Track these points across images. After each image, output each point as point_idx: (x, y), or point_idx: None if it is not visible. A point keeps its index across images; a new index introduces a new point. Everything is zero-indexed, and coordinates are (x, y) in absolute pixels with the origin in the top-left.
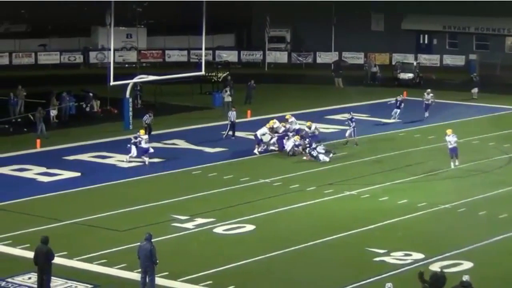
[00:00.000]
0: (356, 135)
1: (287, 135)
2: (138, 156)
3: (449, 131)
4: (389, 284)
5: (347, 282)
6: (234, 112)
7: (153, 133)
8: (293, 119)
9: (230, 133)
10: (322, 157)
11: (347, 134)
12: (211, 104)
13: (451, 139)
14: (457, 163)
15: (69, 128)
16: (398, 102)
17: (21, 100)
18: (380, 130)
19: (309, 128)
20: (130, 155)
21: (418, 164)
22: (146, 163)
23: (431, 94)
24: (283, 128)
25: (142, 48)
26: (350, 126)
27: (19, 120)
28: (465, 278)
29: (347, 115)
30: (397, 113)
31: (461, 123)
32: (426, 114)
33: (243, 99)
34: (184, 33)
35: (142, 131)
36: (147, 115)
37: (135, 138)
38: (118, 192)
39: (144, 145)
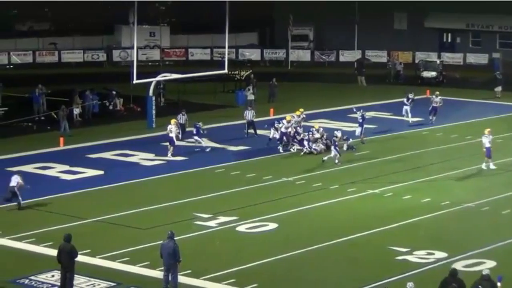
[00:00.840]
0: (377, 133)
1: (314, 134)
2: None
3: (487, 131)
4: (410, 284)
5: (369, 281)
6: (252, 111)
7: None
8: (303, 115)
9: (252, 131)
10: (332, 153)
11: (361, 134)
12: (234, 103)
13: (490, 139)
14: (485, 166)
15: (92, 126)
16: (410, 99)
17: (41, 99)
18: (403, 129)
19: (317, 131)
20: (197, 140)
21: (441, 162)
22: (169, 154)
23: (440, 97)
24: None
25: (165, 46)
26: (359, 123)
27: (42, 118)
28: (486, 272)
29: (358, 114)
30: (408, 112)
31: (484, 121)
32: (432, 118)
33: (266, 98)
34: (207, 31)
35: (173, 121)
36: (180, 114)
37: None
38: (140, 190)
39: (170, 134)
